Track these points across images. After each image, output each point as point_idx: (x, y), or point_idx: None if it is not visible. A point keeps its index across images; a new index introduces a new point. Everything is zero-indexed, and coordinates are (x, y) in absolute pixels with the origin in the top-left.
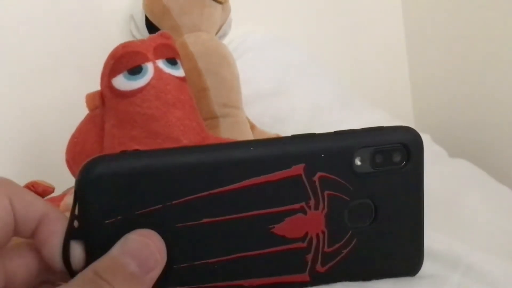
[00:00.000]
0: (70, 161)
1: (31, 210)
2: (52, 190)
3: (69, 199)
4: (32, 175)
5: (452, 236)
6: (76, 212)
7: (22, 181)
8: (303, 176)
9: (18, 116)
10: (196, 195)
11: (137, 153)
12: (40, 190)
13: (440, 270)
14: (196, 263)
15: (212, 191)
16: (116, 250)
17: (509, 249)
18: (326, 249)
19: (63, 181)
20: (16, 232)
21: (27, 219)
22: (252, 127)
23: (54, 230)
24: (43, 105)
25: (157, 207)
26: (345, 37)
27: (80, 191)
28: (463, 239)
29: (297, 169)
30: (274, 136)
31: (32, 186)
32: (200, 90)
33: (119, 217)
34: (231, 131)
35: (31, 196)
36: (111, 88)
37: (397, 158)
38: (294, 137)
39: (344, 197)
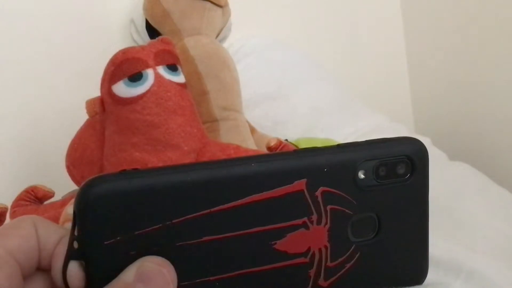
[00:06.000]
0: (70, 167)
1: (52, 234)
2: (52, 194)
3: (70, 209)
4: (32, 180)
5: (453, 241)
6: (76, 232)
7: (22, 186)
8: (305, 192)
9: (18, 121)
10: (197, 214)
11: (136, 172)
12: (40, 194)
13: (442, 277)
14: (197, 281)
15: (212, 209)
16: (130, 276)
17: (510, 253)
18: (329, 263)
19: (63, 186)
20: (39, 259)
21: (48, 243)
22: (252, 130)
23: (59, 252)
24: (43, 110)
25: (157, 226)
26: (345, 40)
27: (79, 212)
28: (464, 243)
29: (299, 184)
30: (274, 139)
31: (32, 190)
32: (200, 93)
33: (118, 238)
34: (231, 134)
35: (53, 225)
36: (112, 94)
37: (401, 170)
38: (296, 152)
39: (347, 211)
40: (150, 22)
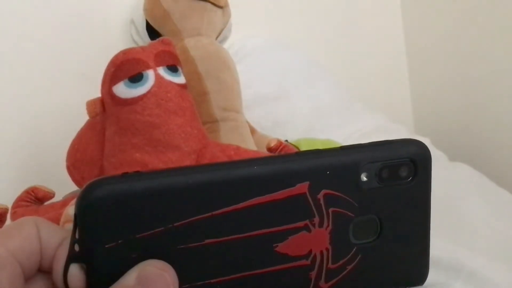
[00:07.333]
0: (71, 167)
1: (54, 236)
2: (52, 195)
3: (71, 210)
4: (32, 180)
5: (453, 242)
6: (77, 235)
7: (22, 186)
8: (308, 194)
9: (19, 121)
10: (198, 216)
11: (137, 175)
12: (40, 195)
13: (442, 277)
14: (198, 283)
15: (214, 212)
16: (131, 279)
17: (509, 254)
18: (330, 265)
19: (64, 186)
20: (41, 260)
21: (50, 245)
22: (252, 131)
23: (61, 254)
24: (44, 111)
25: (158, 229)
26: (345, 41)
27: (80, 215)
28: (464, 244)
29: (302, 187)
30: (274, 140)
31: (32, 191)
32: (200, 94)
33: (120, 241)
34: (231, 135)
35: (55, 226)
36: (112, 95)
37: (404, 173)
38: (298, 155)
39: (349, 213)
40: (151, 22)
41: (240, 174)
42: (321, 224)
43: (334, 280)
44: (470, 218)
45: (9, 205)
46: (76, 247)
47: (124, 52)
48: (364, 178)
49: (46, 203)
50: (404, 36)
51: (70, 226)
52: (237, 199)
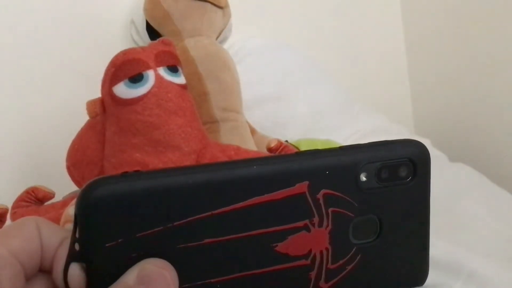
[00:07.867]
0: (71, 168)
1: (54, 236)
2: (52, 195)
3: (71, 210)
4: (32, 181)
5: (452, 242)
6: (77, 235)
7: (23, 187)
8: (307, 194)
9: (19, 121)
10: (198, 216)
11: (137, 174)
12: (40, 195)
13: (442, 278)
14: (198, 283)
15: (214, 211)
16: (131, 278)
17: (509, 254)
18: (330, 265)
19: (64, 186)
20: (42, 260)
21: (50, 245)
22: (253, 131)
23: (61, 254)
24: (44, 111)
25: (158, 229)
26: (345, 42)
27: (80, 214)
28: (464, 244)
29: (301, 187)
30: (274, 140)
31: (33, 191)
32: (200, 94)
33: (120, 240)
34: (231, 135)
35: (56, 226)
36: (112, 95)
37: (403, 173)
38: (298, 155)
39: (349, 213)
40: (151, 23)
41: (239, 173)
42: (320, 224)
43: (334, 280)
44: (470, 218)
45: (9, 205)
46: (77, 247)
47: (124, 53)
48: (363, 178)
49: (46, 203)
50: (404, 36)
51: (70, 226)
52: (237, 199)
